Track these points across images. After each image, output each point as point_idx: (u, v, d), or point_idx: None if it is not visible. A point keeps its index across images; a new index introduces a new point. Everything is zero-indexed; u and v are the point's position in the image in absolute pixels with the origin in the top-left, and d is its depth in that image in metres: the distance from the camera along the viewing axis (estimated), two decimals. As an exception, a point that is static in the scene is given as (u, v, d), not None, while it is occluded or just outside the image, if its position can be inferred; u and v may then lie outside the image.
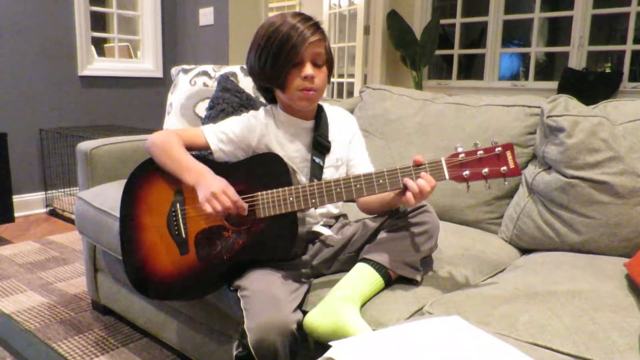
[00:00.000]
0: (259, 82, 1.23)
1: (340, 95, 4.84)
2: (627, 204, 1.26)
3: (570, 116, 1.34)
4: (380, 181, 1.03)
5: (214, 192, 1.08)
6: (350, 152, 1.30)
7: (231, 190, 1.09)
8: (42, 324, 1.79)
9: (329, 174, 1.25)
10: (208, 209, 1.08)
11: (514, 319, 0.89)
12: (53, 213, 3.24)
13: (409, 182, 1.00)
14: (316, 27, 1.14)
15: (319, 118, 1.25)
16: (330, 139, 1.25)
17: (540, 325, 0.87)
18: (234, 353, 1.04)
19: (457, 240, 1.34)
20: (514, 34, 4.35)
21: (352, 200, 1.16)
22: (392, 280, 1.08)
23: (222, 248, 1.12)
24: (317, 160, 1.22)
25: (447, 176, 1.00)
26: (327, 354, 0.75)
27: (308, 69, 1.13)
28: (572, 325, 0.86)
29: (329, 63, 1.19)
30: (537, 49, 3.92)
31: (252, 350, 0.97)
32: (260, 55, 1.15)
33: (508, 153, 0.98)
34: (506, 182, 1.02)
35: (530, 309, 0.92)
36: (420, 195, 1.00)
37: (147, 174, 1.25)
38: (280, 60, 1.12)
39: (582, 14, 3.55)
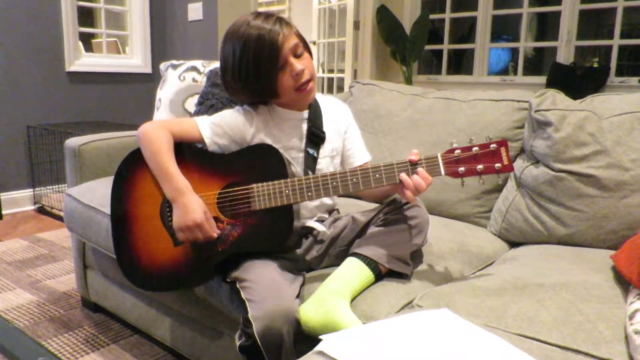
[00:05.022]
0: (249, 99, 1.21)
1: (330, 90, 4.83)
2: (613, 197, 1.27)
3: (558, 110, 1.35)
4: (377, 175, 1.04)
5: (188, 225, 1.09)
6: (347, 142, 1.30)
7: (207, 224, 1.09)
8: (32, 321, 1.78)
9: (324, 164, 1.24)
10: (180, 236, 1.12)
11: (502, 311, 0.91)
12: (41, 210, 3.21)
13: (405, 178, 1.01)
14: (280, 21, 1.12)
15: (311, 108, 1.24)
16: (324, 129, 1.25)
17: (529, 317, 0.88)
18: (237, 343, 1.02)
19: (447, 234, 1.35)
20: (503, 29, 4.36)
21: (347, 196, 1.16)
22: (382, 274, 1.08)
23: (216, 240, 1.12)
24: (312, 151, 1.21)
25: (442, 172, 1.01)
26: (318, 348, 0.75)
27: (296, 65, 1.12)
28: (560, 317, 0.88)
29: (306, 46, 1.17)
30: (525, 44, 3.93)
31: (257, 338, 0.96)
32: (240, 75, 1.12)
33: (502, 150, 0.99)
34: (499, 179, 1.03)
35: (519, 301, 0.93)
36: (417, 192, 1.01)
37: (139, 163, 1.21)
38: (263, 72, 1.10)
39: (570, 9, 3.56)
